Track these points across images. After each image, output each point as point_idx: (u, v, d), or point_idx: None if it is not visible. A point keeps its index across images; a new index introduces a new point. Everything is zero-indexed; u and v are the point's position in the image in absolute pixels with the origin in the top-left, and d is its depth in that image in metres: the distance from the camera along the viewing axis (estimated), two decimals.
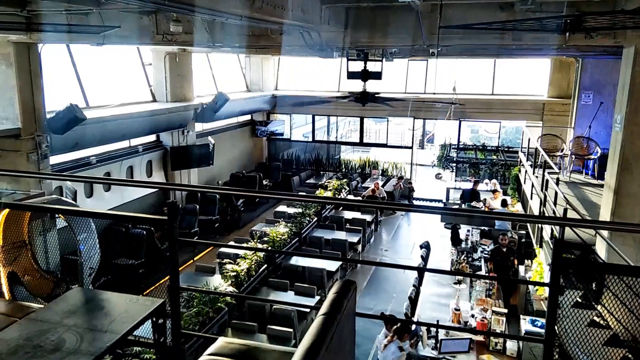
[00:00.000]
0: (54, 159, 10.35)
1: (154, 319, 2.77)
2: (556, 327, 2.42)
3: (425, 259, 11.06)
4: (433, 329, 7.53)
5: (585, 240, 6.68)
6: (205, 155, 14.72)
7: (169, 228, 2.85)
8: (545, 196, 7.14)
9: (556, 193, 7.10)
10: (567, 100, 15.87)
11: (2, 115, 8.95)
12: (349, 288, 2.32)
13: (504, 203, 12.81)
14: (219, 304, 8.30)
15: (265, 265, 10.31)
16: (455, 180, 16.70)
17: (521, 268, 10.53)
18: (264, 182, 17.39)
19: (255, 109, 18.62)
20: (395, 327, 6.90)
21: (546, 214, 7.23)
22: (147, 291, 11.24)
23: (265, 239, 11.09)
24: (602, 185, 10.27)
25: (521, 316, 7.63)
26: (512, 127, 19.47)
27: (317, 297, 9.61)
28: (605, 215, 6.61)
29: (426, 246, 11.86)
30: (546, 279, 7.30)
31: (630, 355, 6.66)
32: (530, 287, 9.64)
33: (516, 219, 6.16)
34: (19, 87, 8.84)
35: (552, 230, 7.17)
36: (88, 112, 11.20)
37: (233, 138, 18.06)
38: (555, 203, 7.08)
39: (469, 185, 14.80)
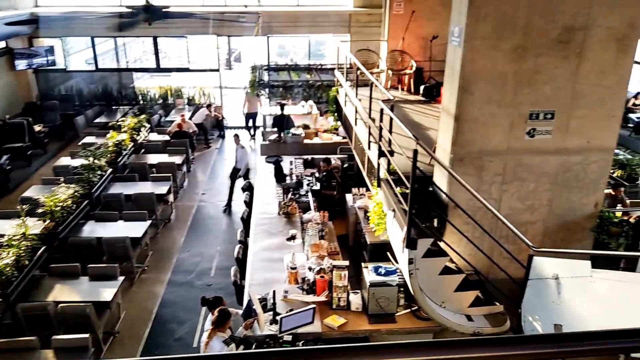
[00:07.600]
0: None
1: None
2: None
3: (249, 204, 9.66)
4: (269, 300, 6.28)
5: (425, 171, 5.89)
6: None
7: None
8: (380, 128, 6.08)
9: (391, 120, 6.06)
10: (373, 10, 15.24)
11: None
12: None
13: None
14: None
15: (44, 248, 7.77)
16: (270, 105, 15.24)
17: (348, 197, 9.84)
18: (37, 128, 13.67)
19: (7, 33, 14.18)
20: (212, 318, 5.43)
21: (382, 148, 6.21)
22: None
23: (40, 210, 8.37)
24: (420, 102, 9.84)
25: (362, 265, 6.79)
26: (315, 41, 18.53)
27: (121, 278, 7.56)
28: (445, 145, 5.82)
29: (248, 187, 10.43)
30: (389, 224, 6.47)
31: (481, 295, 6.14)
32: (361, 217, 8.99)
33: None
34: None
35: (388, 164, 6.23)
36: None
37: None
38: (390, 131, 6.07)
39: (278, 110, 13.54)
